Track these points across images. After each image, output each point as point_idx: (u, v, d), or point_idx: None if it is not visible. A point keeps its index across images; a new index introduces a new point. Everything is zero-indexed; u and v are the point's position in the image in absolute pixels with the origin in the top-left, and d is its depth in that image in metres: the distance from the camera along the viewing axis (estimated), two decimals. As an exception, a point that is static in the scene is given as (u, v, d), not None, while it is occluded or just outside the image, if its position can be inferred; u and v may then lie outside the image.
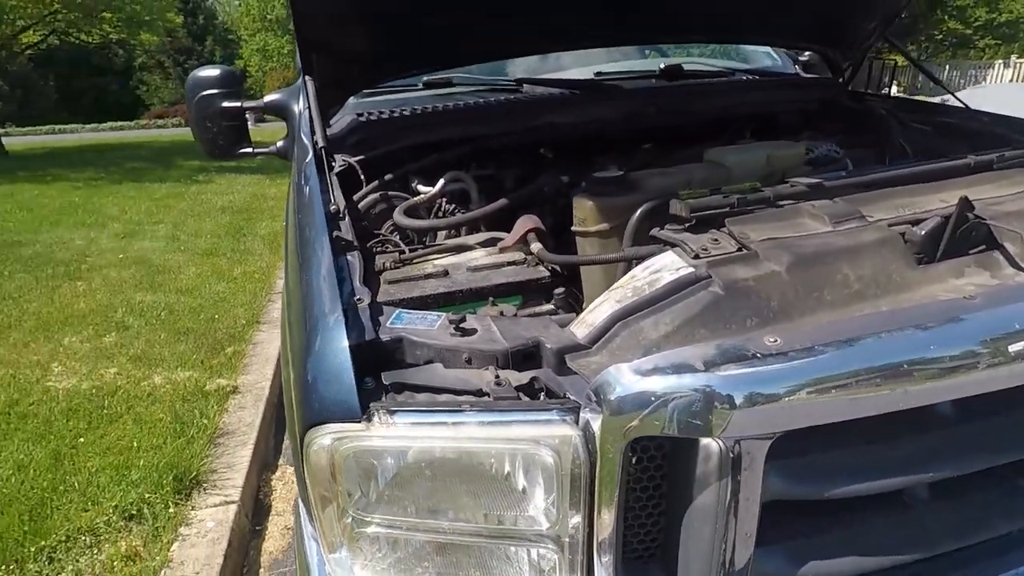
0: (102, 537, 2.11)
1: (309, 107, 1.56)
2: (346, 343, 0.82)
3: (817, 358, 0.72)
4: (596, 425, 0.73)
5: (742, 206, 1.07)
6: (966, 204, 0.95)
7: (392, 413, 0.77)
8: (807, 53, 2.53)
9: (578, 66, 2.28)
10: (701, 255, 0.95)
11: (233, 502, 2.31)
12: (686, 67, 2.21)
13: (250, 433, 2.72)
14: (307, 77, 1.59)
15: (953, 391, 0.77)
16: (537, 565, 0.82)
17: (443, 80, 2.01)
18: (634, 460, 0.78)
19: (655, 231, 1.08)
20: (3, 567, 1.95)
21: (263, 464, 2.67)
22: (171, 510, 2.22)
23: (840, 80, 2.26)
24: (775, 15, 2.02)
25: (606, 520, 0.76)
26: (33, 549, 2.03)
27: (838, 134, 1.91)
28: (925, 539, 0.84)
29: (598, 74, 2.12)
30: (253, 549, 2.28)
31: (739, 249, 0.96)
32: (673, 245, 1.00)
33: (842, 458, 0.80)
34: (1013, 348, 0.75)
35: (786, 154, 1.45)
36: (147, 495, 2.26)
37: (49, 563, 2.00)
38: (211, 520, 2.21)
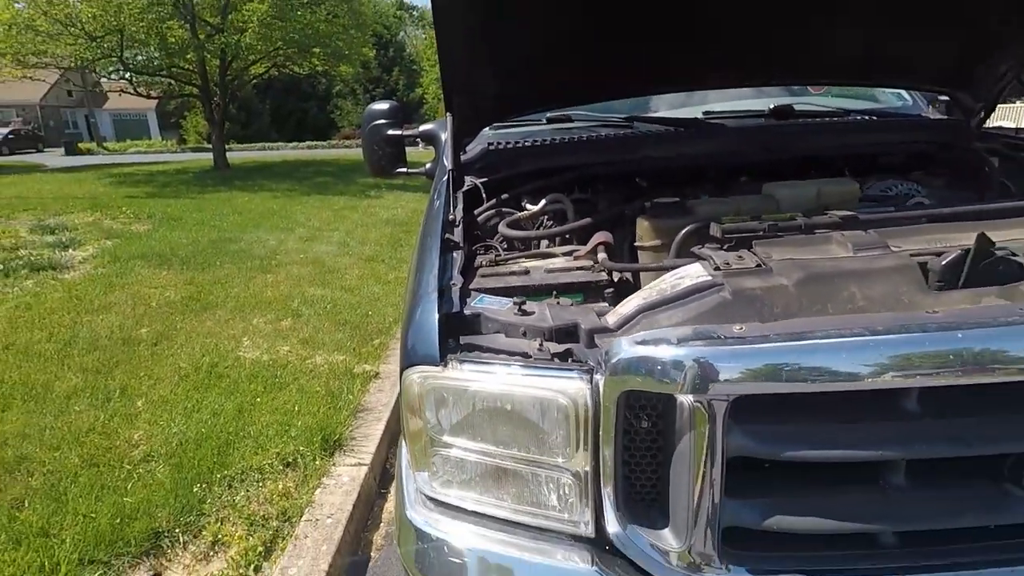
0: (266, 475, 2.62)
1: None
2: (436, 314, 1.11)
3: (766, 344, 0.89)
4: (601, 382, 0.95)
5: (772, 232, 1.22)
6: (984, 240, 1.02)
7: (461, 362, 1.06)
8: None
9: (713, 102, 2.45)
10: (722, 268, 1.12)
11: (365, 465, 2.73)
12: (798, 107, 2.28)
13: (384, 412, 3.17)
14: (448, 113, 1.95)
15: (889, 386, 0.89)
16: (560, 491, 1.05)
17: (563, 116, 2.29)
18: (643, 420, 0.98)
19: (695, 248, 1.26)
20: (198, 484, 2.51)
21: (392, 439, 3.09)
22: (317, 463, 2.69)
23: (969, 121, 2.20)
24: (896, 58, 2.04)
25: (607, 458, 0.98)
26: (218, 476, 2.58)
27: (945, 175, 1.90)
28: (888, 516, 0.94)
29: (707, 113, 2.27)
30: (377, 506, 2.68)
31: (757, 265, 1.12)
32: (702, 259, 1.18)
33: (802, 429, 0.94)
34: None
35: (837, 190, 1.54)
36: (301, 448, 2.76)
37: (228, 488, 2.54)
38: (346, 476, 2.65)
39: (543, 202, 1.81)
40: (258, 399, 3.23)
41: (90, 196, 11.23)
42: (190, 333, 4.17)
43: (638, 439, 0.99)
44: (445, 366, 1.07)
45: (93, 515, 2.31)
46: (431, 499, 1.16)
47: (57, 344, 3.91)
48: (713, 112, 2.30)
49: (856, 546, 0.98)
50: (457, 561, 1.12)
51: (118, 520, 2.29)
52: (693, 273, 1.14)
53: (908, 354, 0.86)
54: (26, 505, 2.38)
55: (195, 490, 2.48)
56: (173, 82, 17.07)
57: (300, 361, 3.73)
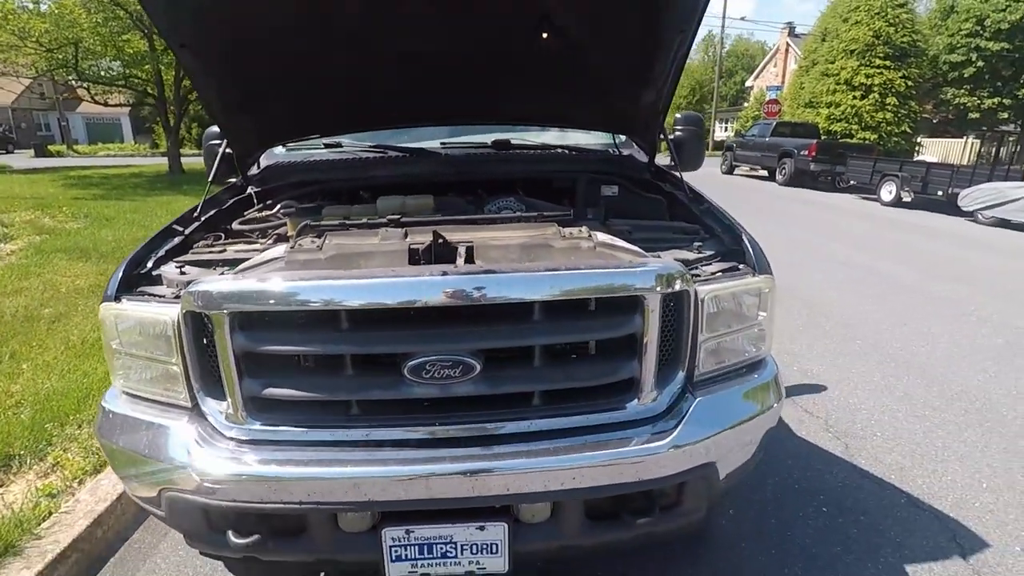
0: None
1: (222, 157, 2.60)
2: (122, 273, 1.80)
3: (241, 285, 1.50)
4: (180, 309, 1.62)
5: (343, 227, 1.94)
6: (437, 235, 1.74)
7: (126, 299, 1.73)
8: None
9: (470, 135, 3.15)
10: (293, 248, 1.81)
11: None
12: (519, 141, 2.99)
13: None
14: (224, 140, 2.66)
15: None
16: (171, 378, 1.69)
17: (335, 142, 3.00)
18: (199, 332, 1.61)
19: (299, 237, 1.97)
20: (52, 424, 3.17)
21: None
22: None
23: (636, 157, 2.94)
24: (570, 109, 2.74)
25: (187, 356, 1.64)
26: (73, 419, 3.24)
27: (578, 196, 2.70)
28: (340, 389, 1.57)
29: (443, 143, 2.98)
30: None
31: (318, 247, 1.83)
32: (287, 243, 1.89)
33: (272, 335, 1.56)
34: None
35: (416, 203, 2.28)
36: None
37: (77, 428, 3.20)
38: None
39: (279, 206, 2.54)
40: (126, 366, 3.89)
41: (38, 197, 11.76)
42: (87, 313, 4.81)
43: (204, 345, 1.63)
44: (118, 302, 1.75)
45: (-42, 442, 2.96)
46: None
47: (-36, 320, 4.54)
48: (448, 143, 3.02)
49: (329, 411, 1.61)
50: (117, 422, 1.75)
51: (-21, 446, 2.94)
52: (276, 252, 1.85)
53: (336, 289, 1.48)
54: (-94, 433, 3.02)
55: (47, 428, 3.14)
56: (130, 91, 17.61)
57: (175, 339, 4.40)
